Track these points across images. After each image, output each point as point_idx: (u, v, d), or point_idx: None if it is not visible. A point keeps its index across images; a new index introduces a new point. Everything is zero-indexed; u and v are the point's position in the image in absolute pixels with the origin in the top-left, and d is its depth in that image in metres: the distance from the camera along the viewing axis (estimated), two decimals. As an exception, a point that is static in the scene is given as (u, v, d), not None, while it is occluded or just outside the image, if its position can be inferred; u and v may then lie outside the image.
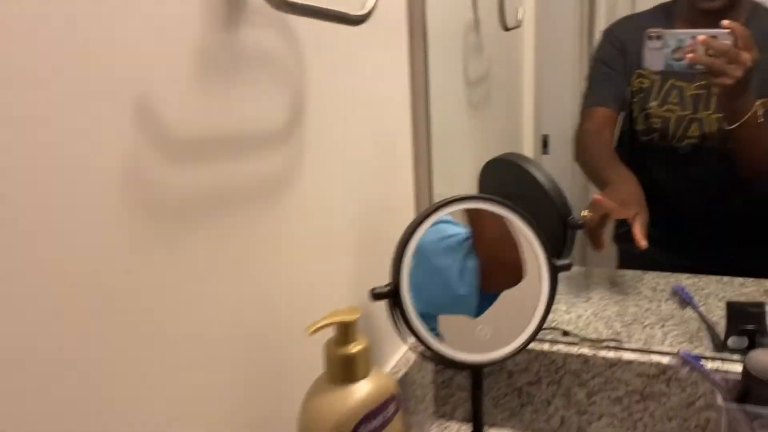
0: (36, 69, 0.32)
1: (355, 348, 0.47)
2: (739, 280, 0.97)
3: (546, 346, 0.77)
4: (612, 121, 1.13)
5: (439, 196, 0.86)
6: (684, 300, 0.77)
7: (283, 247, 0.52)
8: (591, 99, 1.17)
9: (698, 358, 0.66)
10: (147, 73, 0.38)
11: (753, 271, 1.04)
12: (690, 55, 0.91)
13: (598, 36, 1.31)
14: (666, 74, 1.05)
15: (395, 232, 0.60)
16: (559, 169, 1.50)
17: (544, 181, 0.79)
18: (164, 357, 0.40)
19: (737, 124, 0.94)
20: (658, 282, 1.00)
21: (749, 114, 0.93)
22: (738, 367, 0.67)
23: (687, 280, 0.98)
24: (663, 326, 0.84)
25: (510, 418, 0.80)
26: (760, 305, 0.73)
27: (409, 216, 0.79)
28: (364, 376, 0.47)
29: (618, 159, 1.15)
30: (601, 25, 1.34)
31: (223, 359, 0.45)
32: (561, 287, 0.74)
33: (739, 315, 0.74)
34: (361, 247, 0.66)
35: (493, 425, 0.81)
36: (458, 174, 1.01)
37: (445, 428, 0.82)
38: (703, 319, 0.78)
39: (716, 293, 0.91)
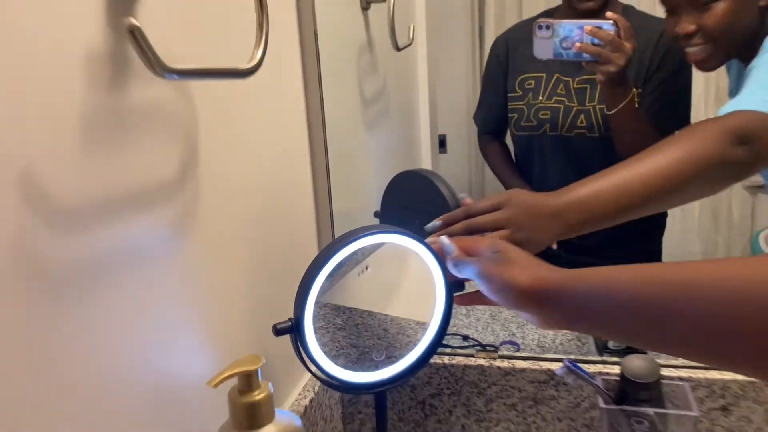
0: None
1: (258, 396, 0.48)
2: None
3: (446, 359, 0.81)
4: (496, 143, 1.24)
5: (341, 214, 0.88)
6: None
7: (180, 300, 0.52)
8: (478, 120, 1.27)
9: (579, 365, 0.72)
10: (30, 147, 0.37)
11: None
12: (578, 44, 0.97)
13: (489, 36, 1.38)
14: (551, 70, 1.13)
15: (300, 264, 0.61)
16: (456, 166, 1.57)
17: (448, 195, 0.82)
18: (59, 427, 0.40)
19: (617, 108, 1.00)
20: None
21: (628, 99, 0.99)
22: (618, 369, 0.74)
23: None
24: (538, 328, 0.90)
25: (415, 429, 0.84)
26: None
27: (313, 245, 0.81)
28: (268, 422, 0.48)
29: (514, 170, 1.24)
30: (491, 29, 1.41)
31: (120, 421, 0.45)
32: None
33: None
34: (263, 285, 0.67)
35: (399, 437, 0.85)
36: (361, 189, 1.04)
37: (354, 444, 0.85)
38: None
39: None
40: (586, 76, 1.09)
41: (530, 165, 1.17)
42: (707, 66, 0.93)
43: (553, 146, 1.13)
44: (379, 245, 0.66)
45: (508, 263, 0.50)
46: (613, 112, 1.00)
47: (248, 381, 0.48)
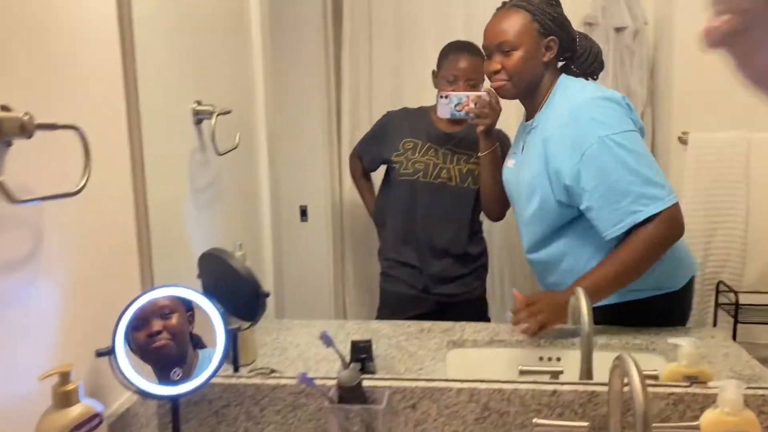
0: None
1: (69, 387, 0.79)
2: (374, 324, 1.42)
3: (233, 380, 1.13)
4: (360, 164, 1.76)
5: (168, 276, 1.18)
6: (328, 341, 1.15)
7: (36, 333, 0.82)
8: (360, 150, 1.75)
9: (311, 379, 1.05)
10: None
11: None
12: (466, 108, 1.50)
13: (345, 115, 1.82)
14: (428, 140, 1.65)
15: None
16: (317, 233, 1.90)
17: (240, 267, 1.15)
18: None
19: (488, 151, 1.51)
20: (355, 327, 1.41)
21: (493, 147, 1.51)
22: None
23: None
24: (328, 359, 1.24)
25: (211, 433, 1.15)
26: (368, 341, 1.16)
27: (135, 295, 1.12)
28: (76, 404, 0.79)
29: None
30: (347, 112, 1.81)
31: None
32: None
33: (357, 349, 1.16)
34: (95, 323, 0.98)
35: (200, 440, 1.15)
36: (186, 258, 1.29)
37: (165, 446, 1.14)
38: (338, 353, 1.17)
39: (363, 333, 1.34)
40: (448, 147, 1.63)
41: (406, 199, 1.66)
42: (506, 95, 1.38)
43: (423, 188, 1.62)
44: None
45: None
46: (484, 154, 1.52)
47: (64, 377, 0.78)
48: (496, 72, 1.34)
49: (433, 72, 1.64)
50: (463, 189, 1.62)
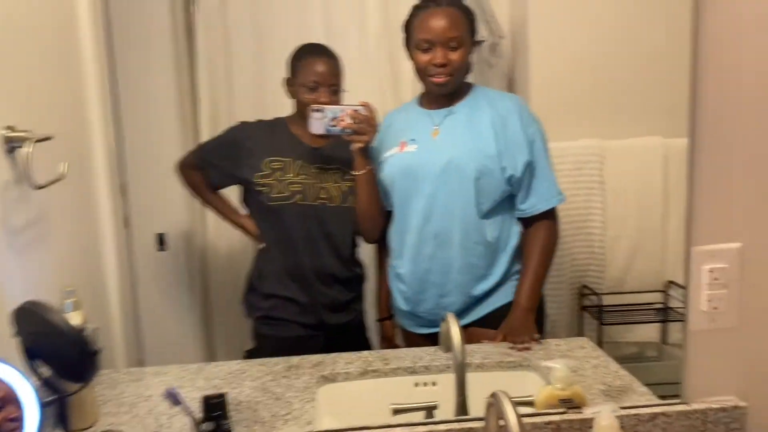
0: None
1: None
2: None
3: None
4: (200, 172, 1.55)
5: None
6: (174, 400, 1.01)
7: None
8: (199, 158, 1.54)
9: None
10: None
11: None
12: (342, 123, 1.36)
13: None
14: (296, 158, 1.49)
15: None
16: (176, 262, 1.72)
17: (60, 322, 0.98)
18: None
19: (366, 170, 1.41)
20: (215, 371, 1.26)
21: (370, 165, 1.42)
22: None
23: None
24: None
25: None
26: (221, 396, 1.02)
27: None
28: None
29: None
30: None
31: None
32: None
33: (209, 406, 1.02)
34: None
35: None
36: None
37: None
38: (187, 413, 1.03)
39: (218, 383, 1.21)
40: (319, 164, 1.49)
41: (284, 226, 1.49)
42: (445, 89, 1.38)
43: (303, 212, 1.48)
44: None
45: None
46: (359, 173, 1.42)
47: None
48: (442, 66, 1.33)
49: (287, 80, 1.50)
50: (344, 209, 1.50)
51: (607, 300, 1.60)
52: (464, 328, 1.10)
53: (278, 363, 1.31)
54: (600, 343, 1.51)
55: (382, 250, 1.53)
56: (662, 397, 1.12)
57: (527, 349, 1.30)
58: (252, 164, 1.50)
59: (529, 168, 1.37)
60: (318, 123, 1.38)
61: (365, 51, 1.64)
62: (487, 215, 1.37)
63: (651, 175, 1.60)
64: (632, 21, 1.56)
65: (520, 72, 1.62)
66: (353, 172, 1.44)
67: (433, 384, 1.27)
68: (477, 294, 1.40)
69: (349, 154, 1.45)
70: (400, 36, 1.59)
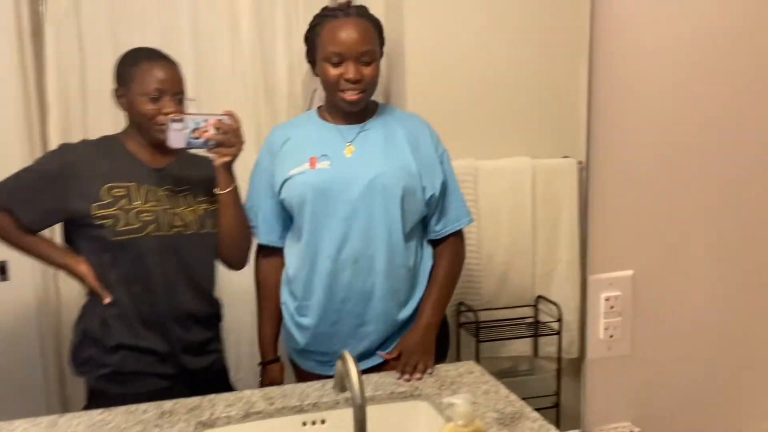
0: None
1: None
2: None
3: None
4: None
5: None
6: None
7: None
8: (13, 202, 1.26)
9: None
10: None
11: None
12: (206, 134, 1.18)
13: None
14: (141, 182, 1.27)
15: None
16: (20, 292, 1.45)
17: None
18: None
19: (231, 188, 1.27)
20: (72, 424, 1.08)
21: (234, 184, 1.28)
22: None
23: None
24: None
25: None
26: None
27: None
28: None
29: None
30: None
31: None
32: None
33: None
34: None
35: None
36: None
37: None
38: None
39: None
40: (167, 186, 1.29)
41: (134, 263, 1.26)
42: (357, 106, 1.29)
43: (156, 245, 1.27)
44: None
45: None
46: (226, 191, 1.27)
47: None
48: (356, 82, 1.25)
49: (116, 90, 1.29)
50: (202, 236, 1.32)
51: (483, 316, 1.62)
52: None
53: (148, 410, 1.17)
54: (478, 359, 1.54)
55: (265, 283, 1.40)
56: (537, 410, 1.15)
57: (418, 379, 1.27)
58: (86, 193, 1.25)
59: (443, 188, 1.35)
60: (178, 135, 1.20)
61: (239, 59, 1.53)
62: (407, 237, 1.32)
63: (521, 194, 1.66)
64: (508, 46, 1.60)
65: (396, 89, 1.60)
66: (216, 191, 1.28)
67: (322, 422, 1.20)
68: (401, 319, 1.34)
69: (198, 172, 1.31)
70: (275, 45, 1.50)
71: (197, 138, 1.22)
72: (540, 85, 1.64)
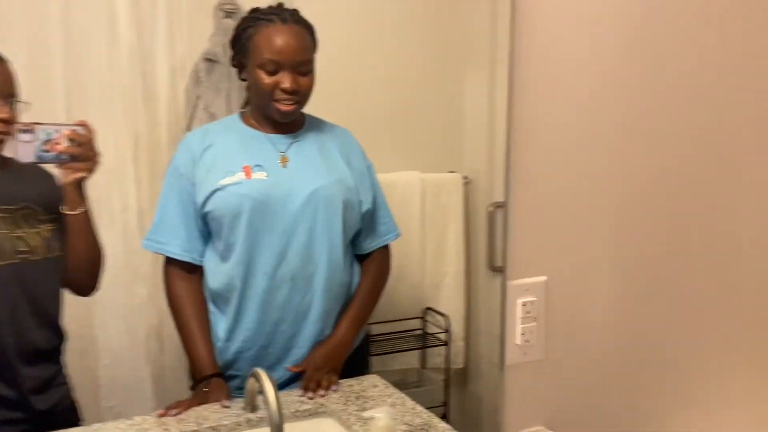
0: None
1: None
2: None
3: None
4: None
5: None
6: None
7: None
8: None
9: None
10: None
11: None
12: (58, 147, 1.02)
13: None
14: None
15: None
16: None
17: None
18: None
19: (80, 210, 1.11)
20: None
21: (85, 204, 1.12)
22: None
23: None
24: None
25: None
26: None
27: None
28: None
29: None
30: None
31: None
32: None
33: None
34: None
35: None
36: None
37: None
38: None
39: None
40: (3, 207, 1.09)
41: None
42: (291, 117, 1.23)
43: None
44: None
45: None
46: (76, 212, 1.10)
47: None
48: (293, 92, 1.19)
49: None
50: (49, 261, 1.15)
51: (373, 329, 1.62)
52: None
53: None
54: (368, 373, 1.52)
55: (191, 302, 1.25)
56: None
57: (321, 396, 1.23)
58: None
59: (374, 202, 1.32)
60: (27, 148, 1.03)
61: (116, 63, 1.41)
62: (344, 253, 1.27)
63: (412, 207, 1.68)
64: (396, 65, 1.63)
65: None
66: (66, 212, 1.12)
67: (230, 446, 1.12)
68: None
69: (35, 188, 1.14)
70: (156, 50, 1.40)
71: (48, 151, 1.06)
72: (426, 102, 1.68)
